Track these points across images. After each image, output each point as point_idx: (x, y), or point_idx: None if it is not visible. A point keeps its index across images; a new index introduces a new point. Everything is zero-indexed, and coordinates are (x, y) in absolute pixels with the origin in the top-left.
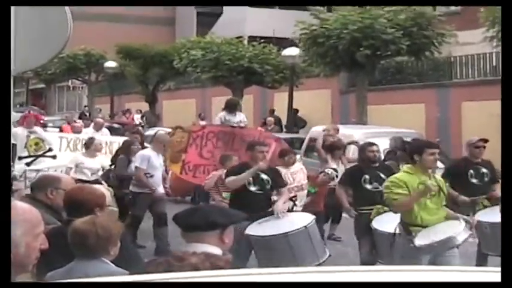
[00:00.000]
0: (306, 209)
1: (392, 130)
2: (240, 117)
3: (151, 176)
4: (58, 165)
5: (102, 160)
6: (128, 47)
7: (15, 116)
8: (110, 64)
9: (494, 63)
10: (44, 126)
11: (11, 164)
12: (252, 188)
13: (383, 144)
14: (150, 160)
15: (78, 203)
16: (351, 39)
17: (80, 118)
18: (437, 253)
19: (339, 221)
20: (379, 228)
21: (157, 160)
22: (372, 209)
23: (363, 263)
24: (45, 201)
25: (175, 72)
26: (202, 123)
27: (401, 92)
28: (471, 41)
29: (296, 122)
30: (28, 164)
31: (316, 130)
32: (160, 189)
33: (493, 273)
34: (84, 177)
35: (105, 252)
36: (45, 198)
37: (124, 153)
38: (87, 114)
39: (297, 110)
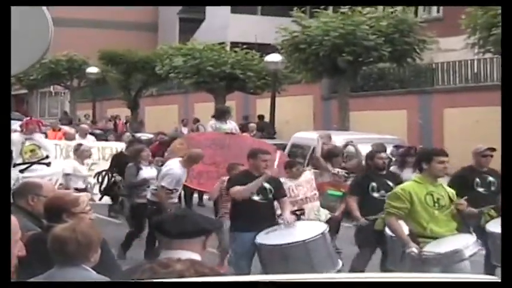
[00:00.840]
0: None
1: (375, 136)
2: (231, 125)
3: (177, 191)
4: (52, 172)
5: (94, 166)
6: (110, 52)
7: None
8: (92, 70)
9: (475, 70)
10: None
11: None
12: (255, 198)
13: (365, 151)
14: (180, 180)
15: (50, 209)
16: (333, 45)
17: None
18: (446, 266)
19: (338, 231)
20: (392, 235)
21: (185, 176)
22: (377, 218)
23: (353, 270)
24: (26, 207)
25: (157, 78)
26: (185, 129)
27: (383, 98)
28: (453, 48)
29: (263, 128)
30: (22, 171)
31: (300, 136)
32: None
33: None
34: (79, 186)
35: (86, 259)
36: (26, 204)
37: (133, 161)
38: (67, 120)
39: (262, 116)
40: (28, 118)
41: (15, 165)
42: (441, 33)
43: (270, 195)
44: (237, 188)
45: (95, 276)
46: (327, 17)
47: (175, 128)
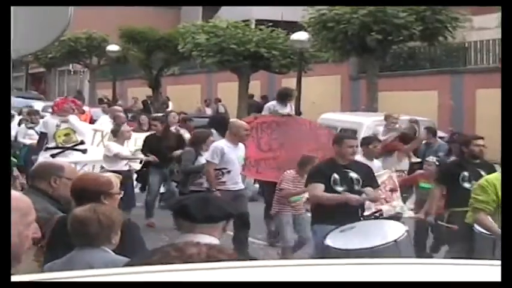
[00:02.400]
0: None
1: (404, 118)
2: (289, 108)
3: (228, 172)
4: (88, 160)
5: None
6: (131, 30)
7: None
8: (112, 48)
9: None
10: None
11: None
12: (339, 189)
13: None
14: (223, 153)
15: (84, 191)
16: (362, 23)
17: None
18: None
19: (427, 235)
20: (482, 231)
21: (234, 152)
22: (467, 211)
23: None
24: (46, 190)
25: (179, 57)
26: (208, 109)
27: (413, 78)
28: (486, 26)
29: (255, 108)
30: (53, 156)
31: (327, 118)
32: (240, 186)
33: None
34: (117, 167)
35: (107, 241)
36: (47, 186)
37: (192, 145)
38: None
39: (252, 95)
40: (62, 97)
41: (47, 148)
42: (474, 11)
43: (357, 187)
44: (318, 190)
45: (115, 258)
46: None
47: (198, 109)
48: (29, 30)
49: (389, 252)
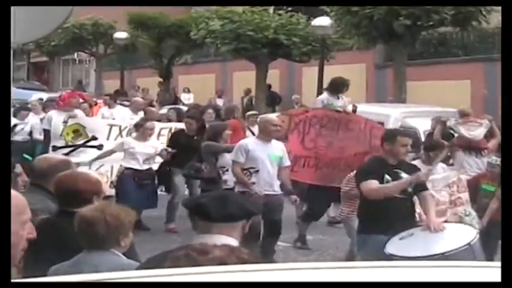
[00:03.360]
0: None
1: (434, 109)
2: (343, 101)
3: (257, 172)
4: (108, 159)
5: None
6: (140, 16)
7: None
8: (120, 35)
9: None
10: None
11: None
12: None
13: (423, 126)
14: (248, 150)
15: (73, 192)
16: (389, 7)
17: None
18: None
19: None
20: None
21: (264, 150)
22: None
23: None
24: (49, 188)
25: (192, 45)
26: (220, 101)
27: (444, 66)
28: None
29: (272, 99)
30: (65, 156)
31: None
32: (276, 189)
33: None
34: (136, 166)
35: (116, 243)
36: (50, 184)
37: (209, 140)
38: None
39: (269, 86)
40: (69, 90)
41: (56, 148)
42: None
43: (410, 189)
44: (373, 184)
45: (124, 262)
46: None
47: (209, 100)
48: (30, 17)
49: (464, 257)
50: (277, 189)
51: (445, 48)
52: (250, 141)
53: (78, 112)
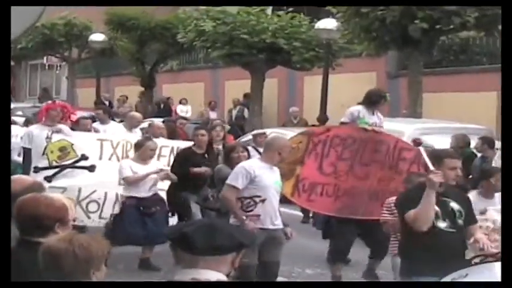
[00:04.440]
0: None
1: (455, 125)
2: (377, 118)
3: (263, 201)
4: (98, 181)
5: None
6: (120, 16)
7: None
8: (97, 37)
9: None
10: (93, 120)
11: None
12: (441, 224)
13: (442, 143)
14: (255, 176)
15: (34, 218)
16: (403, 9)
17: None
18: None
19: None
20: None
21: (271, 176)
22: None
23: None
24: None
25: (179, 49)
26: (213, 114)
27: (466, 76)
28: None
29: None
30: (49, 179)
31: None
32: (279, 223)
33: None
34: (140, 193)
35: (86, 277)
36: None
37: (225, 162)
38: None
39: (247, 94)
40: (50, 102)
41: (38, 169)
42: None
43: (460, 221)
44: (418, 213)
45: None
46: None
47: (201, 113)
48: None
49: None
50: (280, 222)
51: (467, 56)
52: (255, 164)
53: (63, 126)
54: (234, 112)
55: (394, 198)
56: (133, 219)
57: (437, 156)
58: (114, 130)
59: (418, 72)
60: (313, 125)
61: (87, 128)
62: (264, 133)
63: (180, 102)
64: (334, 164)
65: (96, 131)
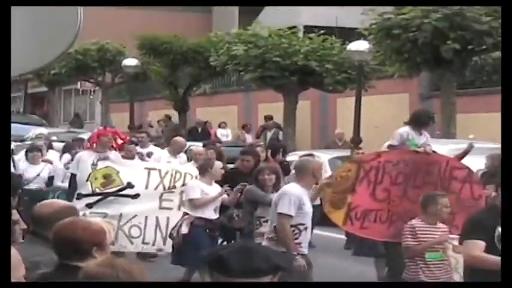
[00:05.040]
0: None
1: (489, 146)
2: (425, 139)
3: (306, 229)
4: (142, 210)
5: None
6: (152, 39)
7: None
8: (130, 62)
9: None
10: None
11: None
12: None
13: (476, 164)
14: (303, 204)
15: (71, 242)
16: (435, 30)
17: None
18: None
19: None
20: None
21: (309, 202)
22: None
23: None
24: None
25: (211, 72)
26: (249, 136)
27: (499, 96)
28: None
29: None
30: (90, 206)
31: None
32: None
33: None
34: (209, 214)
35: None
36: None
37: (256, 183)
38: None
39: (270, 117)
40: (101, 128)
41: (80, 196)
42: None
43: None
44: (476, 249)
45: None
46: None
47: (236, 136)
48: (29, 44)
49: None
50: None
51: (500, 76)
52: (299, 191)
53: (113, 153)
54: (269, 134)
55: (414, 220)
56: (202, 241)
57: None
58: (158, 155)
59: (451, 93)
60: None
61: (132, 154)
62: (312, 154)
63: (220, 126)
64: (388, 190)
65: (142, 156)
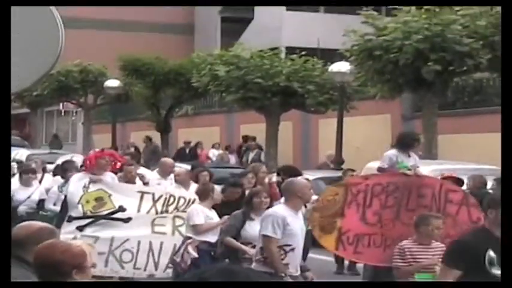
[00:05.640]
0: None
1: (471, 167)
2: (414, 160)
3: (293, 250)
4: (134, 234)
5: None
6: (134, 61)
7: None
8: (112, 83)
9: None
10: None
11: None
12: (498, 272)
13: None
14: (286, 224)
15: (50, 265)
16: (416, 51)
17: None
18: None
19: None
20: None
21: (298, 223)
22: None
23: None
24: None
25: (193, 94)
26: (232, 157)
27: (481, 117)
28: None
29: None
30: (81, 229)
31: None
32: (298, 270)
33: None
34: (213, 238)
35: None
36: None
37: (245, 206)
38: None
39: (253, 138)
40: (98, 150)
41: (71, 218)
42: None
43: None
44: (450, 277)
45: None
46: (407, 15)
47: (220, 157)
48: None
49: None
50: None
51: (481, 97)
52: (284, 211)
53: (108, 176)
54: (251, 155)
55: (406, 241)
56: (208, 264)
57: (496, 198)
58: (148, 177)
59: (433, 114)
60: (349, 169)
61: (131, 175)
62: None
63: (213, 147)
64: (379, 213)
65: (142, 177)
